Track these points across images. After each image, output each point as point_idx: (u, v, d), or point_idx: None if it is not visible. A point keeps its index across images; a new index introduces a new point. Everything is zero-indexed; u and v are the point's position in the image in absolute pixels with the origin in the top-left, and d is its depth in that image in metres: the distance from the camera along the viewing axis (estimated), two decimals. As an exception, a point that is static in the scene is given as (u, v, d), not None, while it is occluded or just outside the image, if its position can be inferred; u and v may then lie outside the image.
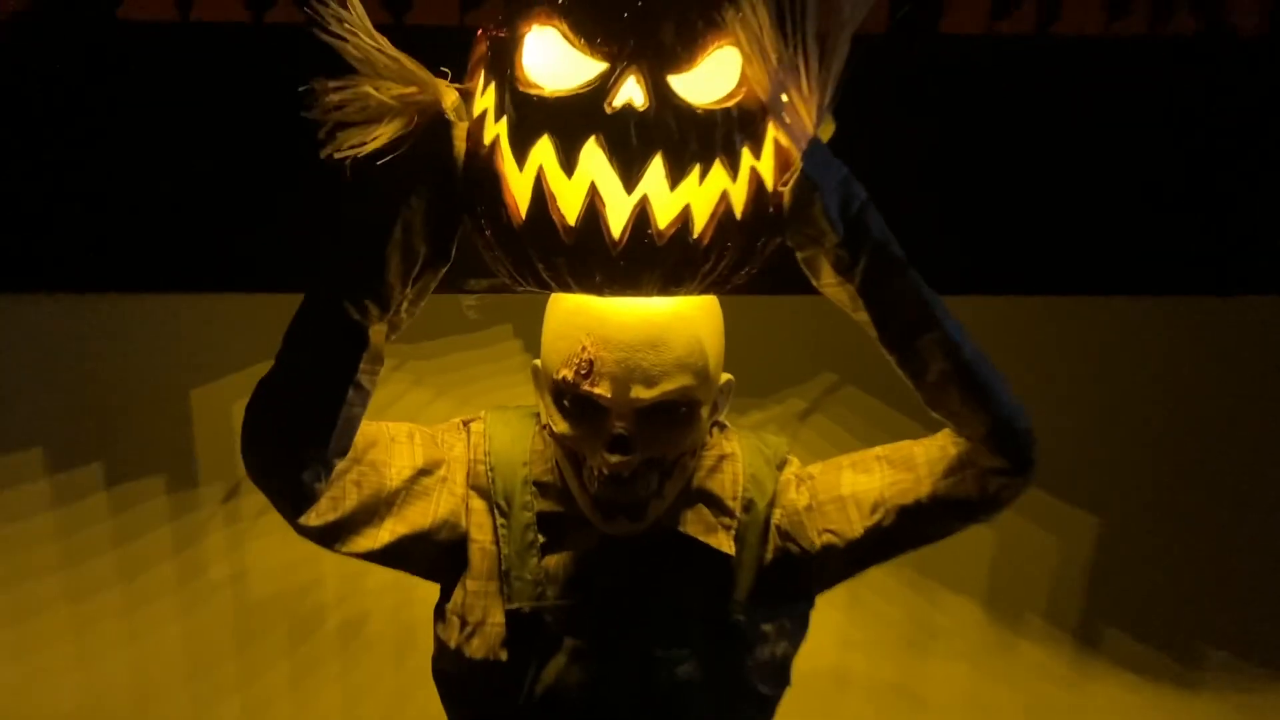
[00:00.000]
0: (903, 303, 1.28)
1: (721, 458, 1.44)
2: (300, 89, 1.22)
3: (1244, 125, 2.00)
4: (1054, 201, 2.01)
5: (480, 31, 1.28)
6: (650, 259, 1.22)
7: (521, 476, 1.41)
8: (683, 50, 1.21)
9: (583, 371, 1.29)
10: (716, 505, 1.41)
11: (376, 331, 1.27)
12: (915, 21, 1.88)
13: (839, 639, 2.23)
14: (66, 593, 2.09)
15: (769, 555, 1.42)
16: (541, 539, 1.39)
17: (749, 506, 1.42)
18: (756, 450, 1.46)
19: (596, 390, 1.29)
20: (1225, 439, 2.26)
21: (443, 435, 1.45)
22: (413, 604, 2.01)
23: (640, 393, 1.28)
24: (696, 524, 1.40)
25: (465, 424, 1.46)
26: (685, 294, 1.28)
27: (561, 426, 1.33)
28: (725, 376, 1.41)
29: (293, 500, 1.30)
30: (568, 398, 1.32)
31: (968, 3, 1.90)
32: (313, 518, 1.31)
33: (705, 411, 1.36)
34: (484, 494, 1.41)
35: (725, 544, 1.40)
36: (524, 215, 1.22)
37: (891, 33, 1.86)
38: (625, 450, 1.29)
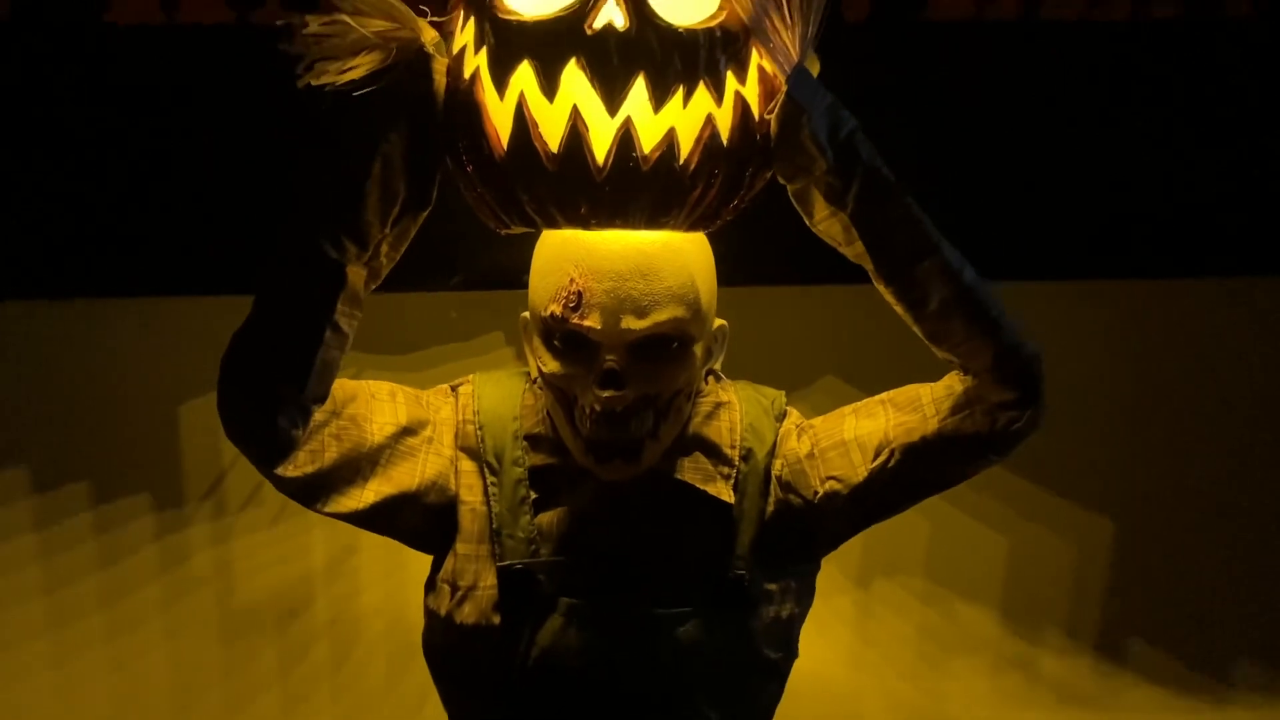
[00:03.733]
0: (899, 228, 1.25)
1: (718, 405, 1.40)
2: (278, 22, 1.22)
3: (1231, 107, 2.00)
4: (1044, 187, 2.00)
5: (457, -30, 1.28)
6: (636, 185, 1.20)
7: (511, 432, 1.38)
8: (662, -29, 1.20)
9: (571, 304, 1.26)
10: (714, 453, 1.38)
11: (354, 272, 1.24)
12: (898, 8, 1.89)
13: (848, 656, 2.17)
14: (48, 619, 2.04)
15: (770, 508, 1.38)
16: (534, 495, 1.36)
17: (748, 456, 1.38)
18: (754, 400, 1.43)
19: (586, 323, 1.26)
20: (1255, 434, 2.20)
21: (429, 398, 1.42)
22: (413, 627, 1.98)
23: (631, 323, 1.26)
24: (694, 472, 1.36)
25: (454, 388, 1.44)
26: (674, 226, 1.25)
27: (552, 366, 1.30)
28: (719, 321, 1.38)
29: (269, 448, 1.27)
30: (557, 335, 1.29)
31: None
32: (290, 469, 1.28)
33: (699, 350, 1.33)
34: (473, 454, 1.38)
35: (725, 493, 1.36)
36: (506, 145, 1.21)
37: (873, 20, 1.87)
38: (617, 385, 1.26)
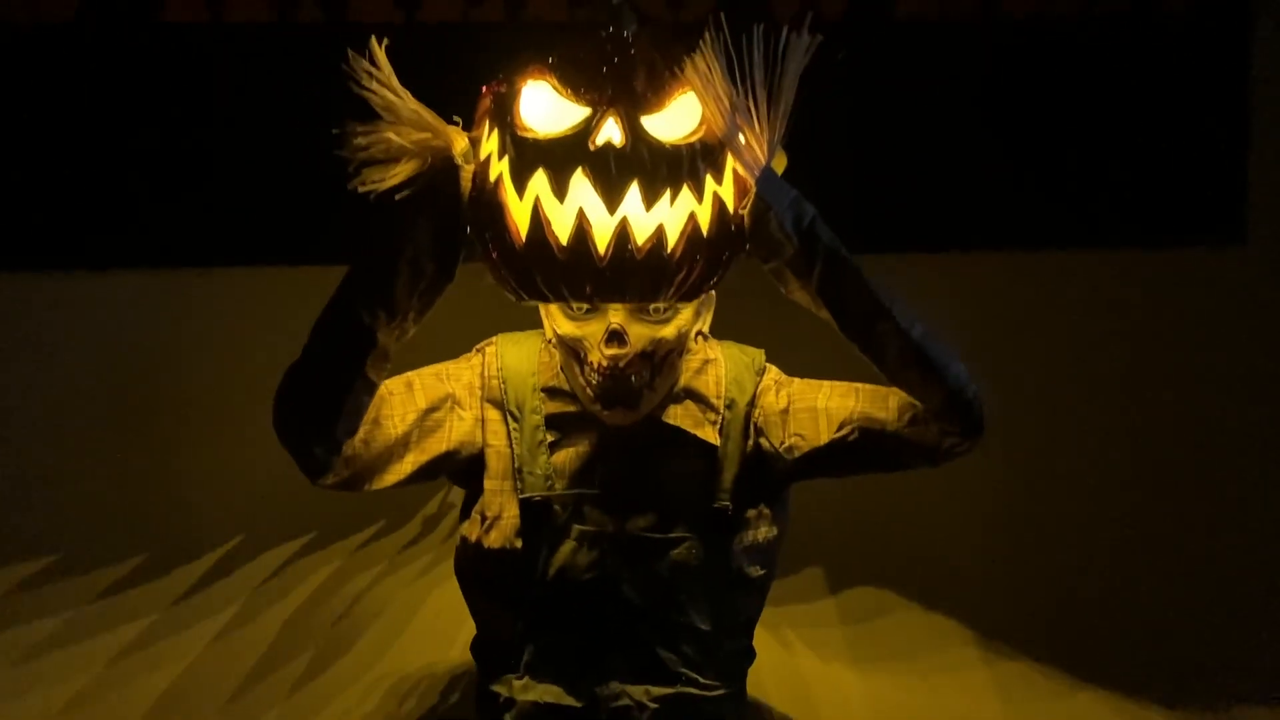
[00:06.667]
0: (856, 297, 1.49)
1: (706, 362, 1.66)
2: (334, 131, 1.46)
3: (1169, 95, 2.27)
4: (1004, 162, 2.26)
5: (484, 89, 1.52)
6: (632, 271, 1.44)
7: (530, 385, 1.64)
8: (652, 96, 1.45)
9: None
10: (702, 402, 1.64)
11: (384, 335, 1.49)
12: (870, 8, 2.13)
13: (833, 652, 2.34)
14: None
15: (749, 448, 1.63)
16: (550, 437, 1.61)
17: (731, 405, 1.64)
18: (737, 358, 1.68)
19: None
20: (1180, 427, 2.36)
21: (449, 369, 1.67)
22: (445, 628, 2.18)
23: None
24: (685, 418, 1.62)
25: (480, 349, 1.69)
26: (663, 301, 1.49)
27: (567, 328, 1.56)
28: None
29: (309, 468, 1.53)
30: (571, 302, 1.52)
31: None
32: (329, 479, 1.54)
33: (688, 314, 1.57)
34: (497, 404, 1.64)
35: (711, 436, 1.62)
36: (524, 238, 1.45)
37: (847, 20, 2.09)
38: (620, 343, 1.51)
